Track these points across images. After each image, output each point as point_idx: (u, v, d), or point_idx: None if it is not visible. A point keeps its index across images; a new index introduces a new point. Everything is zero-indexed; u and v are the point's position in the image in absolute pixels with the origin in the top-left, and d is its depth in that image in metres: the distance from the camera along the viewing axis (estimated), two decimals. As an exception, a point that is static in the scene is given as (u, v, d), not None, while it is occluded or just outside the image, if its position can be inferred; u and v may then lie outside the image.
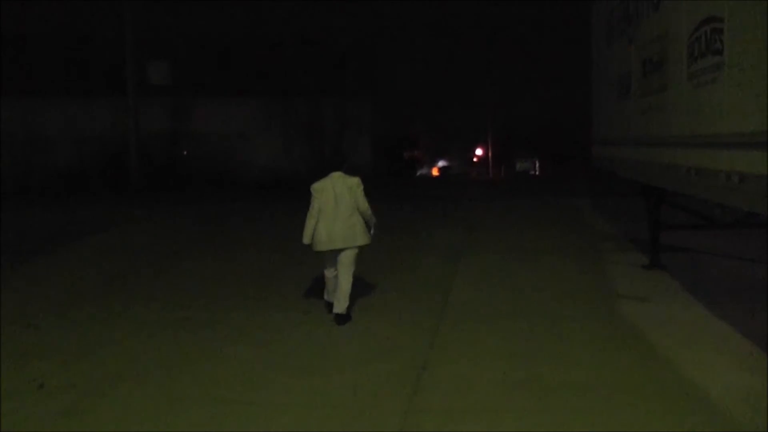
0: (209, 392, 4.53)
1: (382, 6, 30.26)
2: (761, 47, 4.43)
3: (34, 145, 27.95)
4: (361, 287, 7.16)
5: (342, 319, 6.21)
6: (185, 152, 29.35)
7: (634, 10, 8.32)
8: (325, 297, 6.63)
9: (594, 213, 14.85)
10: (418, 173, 41.66)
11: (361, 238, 6.21)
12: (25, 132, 27.69)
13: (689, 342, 5.40)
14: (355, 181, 6.22)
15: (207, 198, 20.75)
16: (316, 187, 6.20)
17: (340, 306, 6.21)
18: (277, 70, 28.82)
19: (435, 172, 48.11)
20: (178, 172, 27.39)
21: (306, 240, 6.25)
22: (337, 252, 6.22)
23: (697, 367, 4.80)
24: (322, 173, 6.35)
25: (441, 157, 52.64)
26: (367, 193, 6.36)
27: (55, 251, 10.55)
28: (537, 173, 43.55)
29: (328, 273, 6.45)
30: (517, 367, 4.90)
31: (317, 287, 7.59)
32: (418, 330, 5.90)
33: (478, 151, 51.65)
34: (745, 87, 4.73)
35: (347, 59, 29.53)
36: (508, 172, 43.70)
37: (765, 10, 4.37)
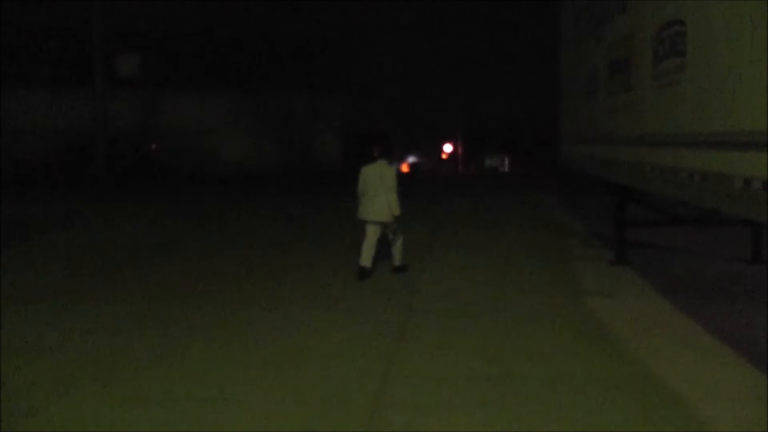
0: (173, 390, 4.48)
1: (352, 2, 30.13)
2: (722, 49, 4.54)
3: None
4: (328, 282, 7.16)
5: (397, 270, 7.93)
6: (153, 146, 28.93)
7: (603, 12, 8.44)
8: (360, 262, 7.68)
9: (561, 210, 15.05)
10: (388, 169, 41.53)
11: (392, 213, 7.53)
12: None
13: (653, 336, 5.52)
14: (390, 170, 7.63)
15: (175, 193, 20.48)
16: (363, 169, 7.68)
17: (394, 260, 7.96)
18: (248, 64, 28.57)
19: (405, 168, 48.09)
20: (147, 166, 26.99)
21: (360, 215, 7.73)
22: (373, 223, 7.59)
23: (661, 360, 4.91)
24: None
25: (410, 153, 52.58)
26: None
27: (12, 247, 10.32)
28: (507, 170, 43.79)
29: (365, 240, 7.62)
30: (484, 362, 4.94)
31: (283, 283, 7.57)
32: (385, 325, 5.92)
33: (448, 148, 51.70)
34: (707, 88, 4.84)
35: (317, 54, 29.40)
36: (478, 169, 43.88)
37: (725, 13, 4.48)
